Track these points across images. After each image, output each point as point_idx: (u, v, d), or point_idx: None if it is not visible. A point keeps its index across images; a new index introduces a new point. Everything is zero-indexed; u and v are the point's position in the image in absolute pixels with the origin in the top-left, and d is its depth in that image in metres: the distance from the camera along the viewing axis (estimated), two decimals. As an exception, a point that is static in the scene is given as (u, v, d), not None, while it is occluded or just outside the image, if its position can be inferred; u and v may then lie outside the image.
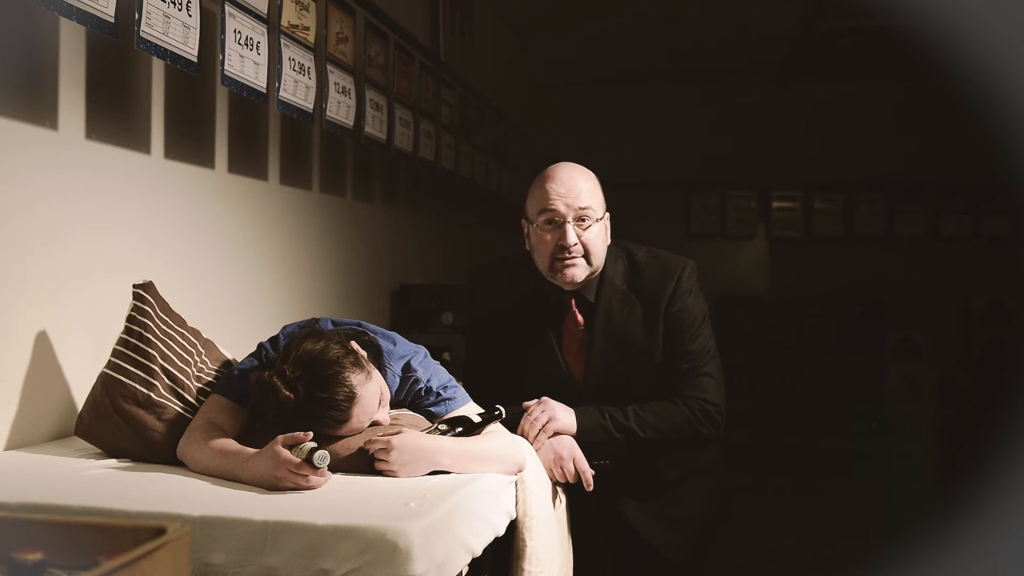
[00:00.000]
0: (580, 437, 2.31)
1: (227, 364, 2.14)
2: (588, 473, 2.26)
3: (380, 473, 1.83)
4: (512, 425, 2.22)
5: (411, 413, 2.06)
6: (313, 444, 1.72)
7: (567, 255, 2.33)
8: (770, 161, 7.50)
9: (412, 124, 3.83)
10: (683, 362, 2.42)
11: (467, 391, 2.14)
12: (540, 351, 2.43)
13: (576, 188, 2.34)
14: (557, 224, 2.34)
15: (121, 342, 2.00)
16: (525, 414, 2.31)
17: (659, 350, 2.42)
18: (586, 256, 2.35)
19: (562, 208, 2.33)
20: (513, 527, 2.03)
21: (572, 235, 2.32)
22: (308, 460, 1.69)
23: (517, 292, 2.48)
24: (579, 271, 2.36)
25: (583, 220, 2.34)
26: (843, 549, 4.72)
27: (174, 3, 2.08)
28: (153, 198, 2.42)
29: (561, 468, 2.26)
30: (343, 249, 3.64)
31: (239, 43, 2.38)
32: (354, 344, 1.93)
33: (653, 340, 2.42)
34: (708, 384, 2.43)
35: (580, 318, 2.44)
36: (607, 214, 2.41)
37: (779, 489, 6.01)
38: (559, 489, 2.28)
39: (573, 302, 2.44)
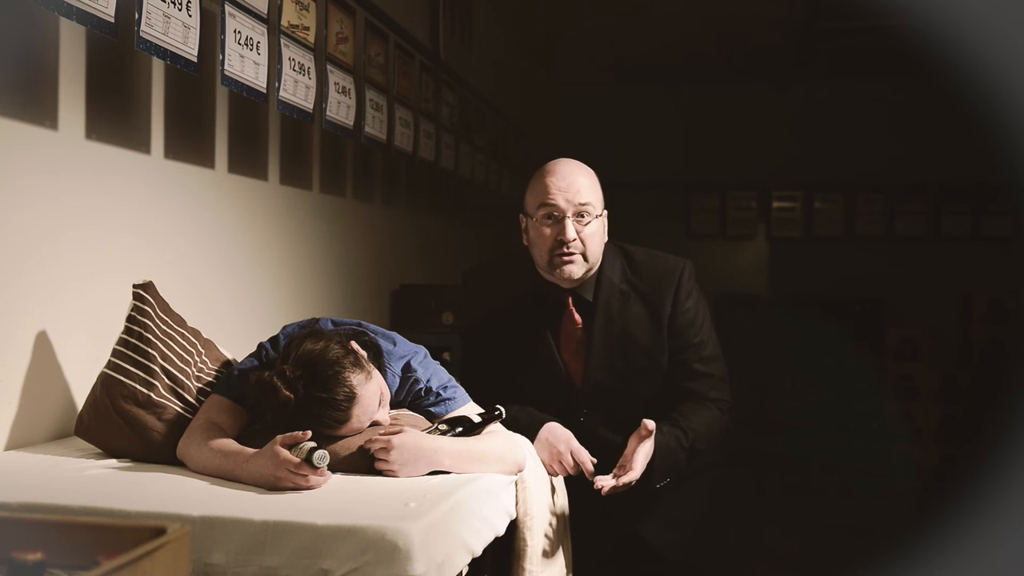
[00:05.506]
0: (656, 461, 2.30)
1: (227, 364, 2.14)
2: (588, 463, 2.26)
3: (380, 473, 1.83)
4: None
5: (411, 413, 2.05)
6: (312, 444, 1.72)
7: (566, 250, 2.34)
8: (770, 161, 7.50)
9: (412, 124, 3.84)
10: (703, 365, 2.45)
11: (466, 392, 2.14)
12: (537, 351, 2.44)
13: (576, 184, 2.35)
14: (556, 219, 2.35)
15: (121, 342, 2.00)
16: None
17: (661, 350, 2.44)
18: (584, 253, 2.36)
19: (562, 203, 2.33)
20: (513, 527, 2.03)
21: (571, 230, 2.33)
22: (308, 460, 1.69)
23: (513, 292, 2.48)
24: (577, 268, 2.37)
25: (582, 216, 2.35)
26: (843, 549, 4.72)
27: (174, 3, 2.08)
28: (153, 198, 2.42)
29: (560, 462, 2.26)
30: (343, 249, 3.64)
31: (239, 43, 2.38)
32: (354, 344, 1.93)
33: (654, 339, 2.43)
34: (727, 386, 2.49)
35: (578, 317, 2.44)
36: (605, 212, 2.42)
37: (779, 489, 6.01)
38: (559, 488, 2.28)
39: (570, 301, 2.44)
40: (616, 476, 2.21)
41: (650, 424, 2.22)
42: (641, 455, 2.23)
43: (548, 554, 2.11)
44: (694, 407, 2.42)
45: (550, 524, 2.13)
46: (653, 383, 2.45)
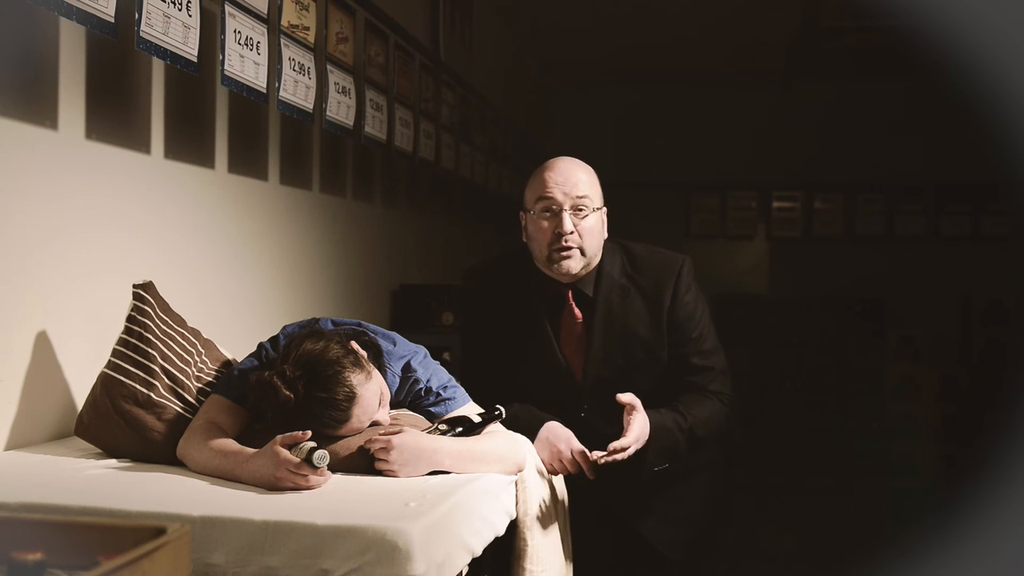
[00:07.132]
0: (652, 440, 2.30)
1: (227, 364, 2.14)
2: (588, 463, 2.26)
3: (380, 473, 1.83)
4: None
5: (411, 413, 2.06)
6: (312, 444, 1.72)
7: (563, 244, 2.34)
8: (770, 161, 7.50)
9: (412, 124, 3.83)
10: (703, 359, 2.46)
11: (466, 391, 2.14)
12: (538, 347, 2.44)
13: (574, 178, 2.36)
14: (554, 212, 2.36)
15: (121, 342, 2.00)
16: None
17: (661, 344, 2.44)
18: (581, 247, 2.36)
19: (559, 196, 2.35)
20: (513, 527, 2.03)
21: (568, 223, 2.34)
22: (307, 460, 1.69)
23: (513, 289, 2.49)
24: (575, 263, 2.38)
25: (580, 210, 2.35)
26: (843, 549, 4.72)
27: (174, 3, 2.08)
28: (153, 198, 2.42)
29: (560, 461, 2.26)
30: (343, 249, 3.64)
31: (239, 43, 2.38)
32: (354, 344, 1.93)
33: (654, 333, 2.44)
34: (727, 380, 2.50)
35: (578, 312, 2.44)
36: (604, 208, 2.42)
37: (779, 489, 6.01)
38: (559, 487, 2.28)
39: (571, 295, 2.45)
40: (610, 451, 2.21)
41: (625, 397, 2.22)
42: (635, 425, 2.23)
43: (548, 554, 2.11)
44: (695, 397, 2.43)
45: (550, 524, 2.13)
46: (653, 377, 2.45)
